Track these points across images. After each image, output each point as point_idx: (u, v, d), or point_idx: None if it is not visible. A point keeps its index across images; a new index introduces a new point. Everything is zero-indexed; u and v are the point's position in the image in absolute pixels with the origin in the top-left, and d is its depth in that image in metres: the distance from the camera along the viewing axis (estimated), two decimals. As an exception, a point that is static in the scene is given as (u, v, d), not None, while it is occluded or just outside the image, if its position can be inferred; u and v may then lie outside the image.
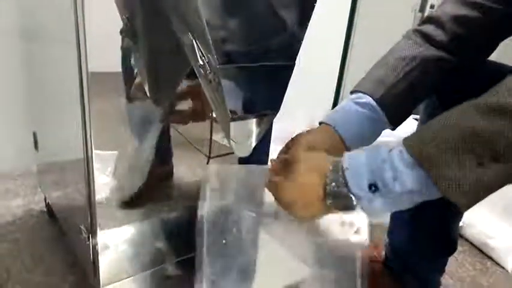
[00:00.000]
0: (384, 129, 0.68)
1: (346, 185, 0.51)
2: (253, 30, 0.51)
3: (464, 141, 0.45)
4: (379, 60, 0.71)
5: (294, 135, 0.66)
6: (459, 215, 0.84)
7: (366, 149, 0.54)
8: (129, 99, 0.79)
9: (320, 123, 0.67)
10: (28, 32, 0.97)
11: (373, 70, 0.70)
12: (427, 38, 0.69)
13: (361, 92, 0.67)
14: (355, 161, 0.51)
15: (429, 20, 0.70)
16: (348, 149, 0.64)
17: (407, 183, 0.47)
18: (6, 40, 1.18)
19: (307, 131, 0.65)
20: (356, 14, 1.63)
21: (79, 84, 0.61)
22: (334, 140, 0.64)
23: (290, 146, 0.64)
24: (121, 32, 0.73)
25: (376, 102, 0.66)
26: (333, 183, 0.51)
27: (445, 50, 0.68)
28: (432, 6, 2.01)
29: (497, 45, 0.70)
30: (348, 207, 0.52)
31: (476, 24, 0.66)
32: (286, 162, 0.58)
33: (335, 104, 1.78)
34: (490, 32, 0.67)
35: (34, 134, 1.08)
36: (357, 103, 0.66)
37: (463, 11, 0.66)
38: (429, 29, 0.69)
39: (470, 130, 0.44)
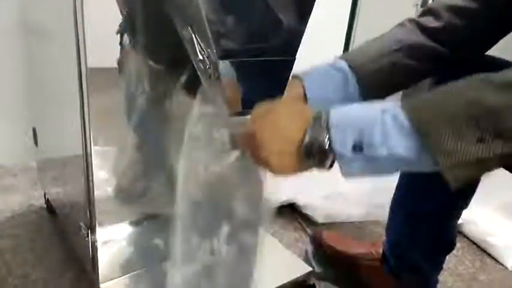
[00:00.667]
0: (351, 100, 0.65)
1: (329, 139, 0.46)
2: (253, 25, 0.51)
3: (468, 112, 0.42)
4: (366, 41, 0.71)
5: None
6: (458, 213, 0.84)
7: (357, 104, 0.50)
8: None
9: (293, 77, 0.65)
10: (28, 29, 0.97)
11: (360, 47, 0.70)
12: (420, 26, 0.68)
13: (341, 59, 0.67)
14: (342, 117, 0.47)
15: (426, 11, 0.69)
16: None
17: (397, 149, 0.44)
18: (6, 37, 1.17)
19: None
20: (357, 9, 1.62)
21: (78, 80, 0.60)
22: (297, 93, 0.63)
23: None
24: (119, 32, 0.73)
25: (352, 70, 0.64)
26: (315, 134, 0.47)
27: (438, 40, 0.66)
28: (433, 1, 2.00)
29: (496, 41, 0.68)
30: (324, 163, 0.48)
31: (474, 16, 0.64)
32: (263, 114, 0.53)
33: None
34: (489, 24, 0.65)
35: (34, 130, 1.08)
36: (331, 66, 0.65)
37: (462, 1, 0.65)
38: (425, 19, 0.68)
39: (478, 102, 0.41)
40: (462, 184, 0.44)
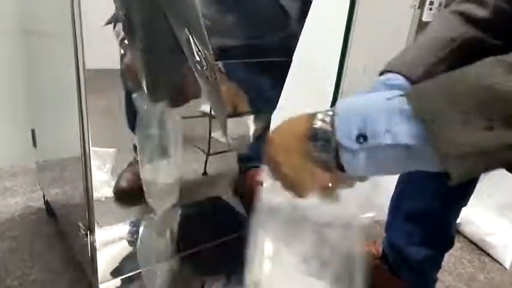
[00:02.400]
0: None
1: (332, 132, 0.44)
2: (250, 26, 0.51)
3: (476, 97, 0.38)
4: (410, 45, 0.63)
5: None
6: (457, 211, 0.84)
7: (361, 93, 0.47)
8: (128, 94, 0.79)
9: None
10: (27, 31, 0.97)
11: (406, 51, 0.62)
12: (465, 17, 0.60)
13: (394, 73, 0.58)
14: (347, 105, 0.45)
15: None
16: None
17: (401, 137, 0.40)
18: (5, 38, 1.17)
19: None
20: (355, 10, 1.62)
21: (76, 81, 0.61)
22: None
23: None
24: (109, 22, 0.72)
25: (410, 83, 0.57)
26: (320, 125, 0.45)
27: (487, 30, 0.59)
28: (432, 3, 2.01)
29: None
30: (328, 160, 0.45)
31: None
32: None
33: (334, 101, 1.78)
34: None
35: (32, 132, 1.08)
36: (387, 85, 0.58)
37: None
38: (467, 7, 0.61)
39: (490, 87, 0.37)
40: (463, 179, 0.40)
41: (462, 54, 0.59)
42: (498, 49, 0.56)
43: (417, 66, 0.58)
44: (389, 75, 0.59)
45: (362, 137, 0.43)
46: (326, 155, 0.45)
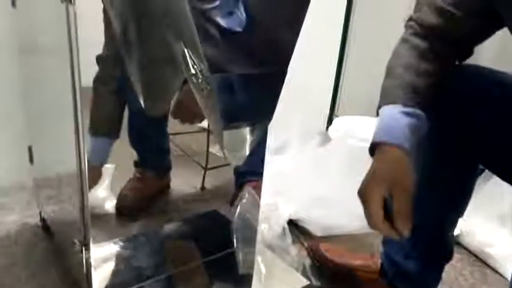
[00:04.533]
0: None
1: None
2: (245, 38, 0.52)
3: None
4: (398, 73, 0.70)
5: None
6: (454, 222, 0.84)
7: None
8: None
9: (376, 144, 0.65)
10: (23, 47, 0.98)
11: (401, 85, 0.69)
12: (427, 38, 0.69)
13: (411, 107, 0.66)
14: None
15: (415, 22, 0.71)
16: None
17: None
18: (1, 55, 1.18)
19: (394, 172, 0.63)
20: (351, 19, 1.64)
21: (72, 99, 0.61)
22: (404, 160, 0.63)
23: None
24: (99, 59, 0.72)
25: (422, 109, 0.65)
26: None
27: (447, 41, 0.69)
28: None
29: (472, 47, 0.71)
30: None
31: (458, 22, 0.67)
32: None
33: (331, 112, 1.78)
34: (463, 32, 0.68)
35: (29, 148, 1.08)
36: (409, 115, 0.65)
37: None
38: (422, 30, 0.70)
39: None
40: None
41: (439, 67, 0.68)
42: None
43: (416, 96, 0.66)
44: (406, 108, 0.66)
45: None
46: None
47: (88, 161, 0.63)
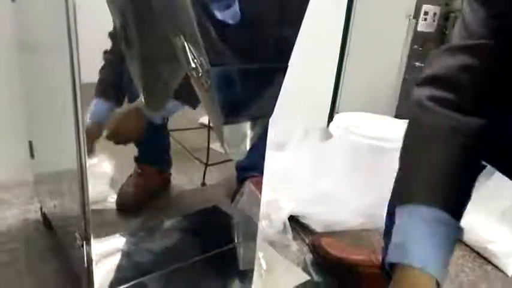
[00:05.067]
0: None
1: None
2: (245, 32, 0.51)
3: None
4: (419, 166, 0.58)
5: None
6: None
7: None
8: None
9: (391, 265, 0.54)
10: (23, 43, 0.98)
11: (424, 180, 0.57)
12: (442, 104, 0.57)
13: (438, 209, 0.54)
14: None
15: (431, 81, 0.60)
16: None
17: None
18: (1, 51, 1.18)
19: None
20: (351, 18, 1.64)
21: (72, 94, 0.61)
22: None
23: None
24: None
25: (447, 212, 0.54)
26: None
27: (465, 112, 0.57)
28: (426, 13, 2.03)
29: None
30: None
31: (478, 70, 0.56)
32: None
33: (332, 107, 1.78)
34: (496, 73, 0.56)
35: (30, 143, 1.08)
36: (440, 224, 0.54)
37: (459, 59, 0.56)
38: (439, 93, 0.58)
39: None
40: None
41: (464, 155, 0.57)
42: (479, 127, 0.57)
43: (441, 195, 0.56)
44: (422, 208, 0.55)
45: None
46: None
47: (87, 119, 0.62)
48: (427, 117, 0.58)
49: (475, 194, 0.82)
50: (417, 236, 0.53)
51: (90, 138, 0.89)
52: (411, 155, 0.59)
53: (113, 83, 1.01)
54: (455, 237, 0.56)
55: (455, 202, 0.56)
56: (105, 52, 0.89)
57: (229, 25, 0.48)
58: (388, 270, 0.56)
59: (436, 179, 0.56)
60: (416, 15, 2.01)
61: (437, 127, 0.57)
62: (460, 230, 0.57)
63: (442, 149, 0.56)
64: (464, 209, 0.59)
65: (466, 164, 0.57)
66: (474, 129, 0.57)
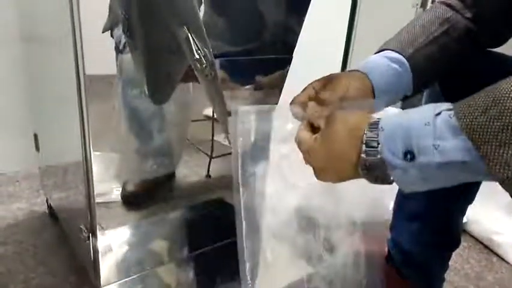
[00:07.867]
0: (404, 92, 0.63)
1: (379, 151, 0.44)
2: (250, 23, 0.51)
3: None
4: (405, 27, 0.67)
5: (328, 74, 0.61)
6: (463, 209, 0.83)
7: (407, 110, 0.46)
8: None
9: (351, 71, 0.62)
10: (28, 37, 0.98)
11: (400, 34, 0.66)
12: (452, 7, 0.67)
13: (390, 50, 0.63)
14: (392, 121, 0.44)
15: None
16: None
17: (450, 153, 0.40)
18: (6, 44, 1.18)
19: (342, 74, 0.61)
20: (357, 8, 1.62)
21: (76, 87, 0.61)
22: (366, 88, 0.59)
23: (325, 84, 0.59)
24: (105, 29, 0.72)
25: (407, 61, 0.62)
26: (368, 150, 0.45)
27: (469, 18, 0.65)
28: (433, 1, 2.00)
29: None
30: (382, 178, 0.45)
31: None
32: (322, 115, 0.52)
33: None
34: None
35: (35, 136, 1.08)
36: (388, 57, 0.62)
37: None
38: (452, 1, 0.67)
39: None
40: None
41: (452, 35, 0.64)
42: (476, 38, 0.65)
43: (408, 46, 0.63)
44: (388, 51, 0.63)
45: (409, 154, 0.42)
46: (379, 181, 0.46)
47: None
48: (432, 9, 0.67)
49: (481, 186, 0.82)
50: (374, 60, 0.62)
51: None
52: (405, 27, 0.67)
53: None
54: (403, 81, 0.62)
55: (419, 65, 0.62)
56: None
57: (234, 16, 0.47)
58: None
59: (414, 40, 0.63)
60: (423, 4, 1.99)
61: (434, 11, 0.67)
62: (408, 85, 0.63)
63: (431, 25, 0.65)
64: (423, 85, 0.67)
65: (445, 43, 0.64)
66: (463, 28, 0.65)
